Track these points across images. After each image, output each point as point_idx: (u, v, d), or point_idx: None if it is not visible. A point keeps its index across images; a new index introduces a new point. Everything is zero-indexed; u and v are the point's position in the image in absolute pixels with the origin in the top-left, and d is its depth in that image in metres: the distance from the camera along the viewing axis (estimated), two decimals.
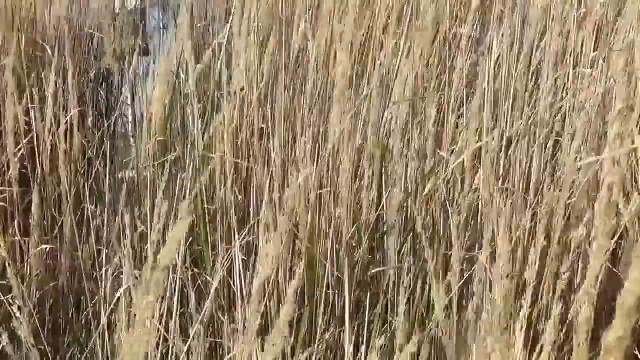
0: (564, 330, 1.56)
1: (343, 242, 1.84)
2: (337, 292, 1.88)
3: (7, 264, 1.81)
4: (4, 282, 2.03)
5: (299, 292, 1.92)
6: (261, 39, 2.22)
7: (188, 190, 2.19)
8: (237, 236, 2.05)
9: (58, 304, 2.25)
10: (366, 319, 1.61)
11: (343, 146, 1.77)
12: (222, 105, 2.17)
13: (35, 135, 2.22)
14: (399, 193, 1.74)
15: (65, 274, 2.23)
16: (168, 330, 1.75)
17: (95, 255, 2.27)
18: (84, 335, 2.26)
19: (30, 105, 2.26)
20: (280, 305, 1.69)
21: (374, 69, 2.22)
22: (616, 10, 2.32)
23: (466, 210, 1.73)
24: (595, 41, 2.30)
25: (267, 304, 1.83)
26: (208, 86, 2.37)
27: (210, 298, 1.76)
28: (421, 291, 1.77)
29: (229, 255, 1.82)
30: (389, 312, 1.88)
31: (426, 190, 1.84)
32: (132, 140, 2.48)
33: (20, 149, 2.18)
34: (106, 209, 2.24)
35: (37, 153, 2.23)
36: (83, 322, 2.26)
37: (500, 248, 1.30)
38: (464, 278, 1.67)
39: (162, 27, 3.62)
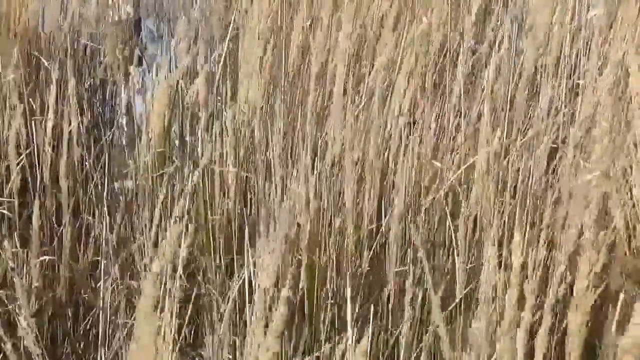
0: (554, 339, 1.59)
1: (344, 252, 1.86)
2: (337, 302, 1.90)
3: (11, 274, 1.82)
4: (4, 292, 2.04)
5: (298, 302, 1.96)
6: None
7: (187, 201, 2.19)
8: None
9: (56, 315, 2.25)
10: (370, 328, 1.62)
11: (344, 156, 1.79)
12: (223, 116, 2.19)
13: (35, 146, 2.23)
14: (400, 204, 1.76)
15: (64, 285, 2.23)
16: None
17: (94, 266, 2.28)
18: (82, 346, 2.26)
19: (32, 118, 2.27)
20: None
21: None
22: (609, 22, 2.35)
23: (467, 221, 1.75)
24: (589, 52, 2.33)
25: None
26: (209, 97, 2.38)
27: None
28: (422, 300, 1.79)
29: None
30: (389, 322, 1.90)
31: (426, 203, 1.86)
32: (129, 151, 2.48)
33: (20, 161, 2.18)
34: (104, 220, 2.24)
35: (36, 164, 2.23)
36: (81, 332, 2.27)
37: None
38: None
39: (156, 36, 3.64)
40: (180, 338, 2.04)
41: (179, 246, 1.54)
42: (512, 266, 1.32)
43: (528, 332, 1.39)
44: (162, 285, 1.82)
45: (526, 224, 1.72)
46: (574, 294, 1.38)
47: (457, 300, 1.53)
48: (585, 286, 1.35)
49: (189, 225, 1.60)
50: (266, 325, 1.35)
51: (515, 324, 1.21)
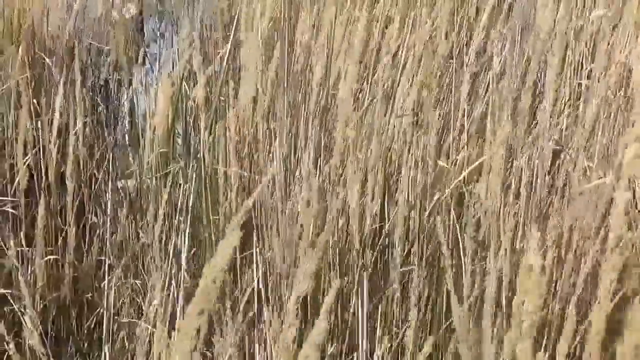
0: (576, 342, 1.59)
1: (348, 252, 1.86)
2: (341, 303, 1.90)
3: (16, 273, 1.83)
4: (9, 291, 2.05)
5: (300, 302, 1.96)
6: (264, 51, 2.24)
7: (190, 201, 2.20)
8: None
9: (61, 314, 2.26)
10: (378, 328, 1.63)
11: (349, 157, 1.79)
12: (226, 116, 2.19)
13: (41, 146, 2.23)
14: (403, 205, 1.77)
15: (69, 284, 2.24)
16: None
17: (98, 265, 2.28)
18: (86, 345, 2.27)
19: (37, 118, 2.28)
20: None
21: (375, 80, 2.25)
22: (613, 23, 2.36)
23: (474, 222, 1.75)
24: (593, 53, 2.34)
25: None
26: (212, 97, 2.38)
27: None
28: (426, 301, 1.79)
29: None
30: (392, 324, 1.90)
31: (432, 204, 1.86)
32: (133, 150, 2.49)
33: (26, 160, 2.19)
34: (108, 219, 2.25)
35: (42, 164, 2.24)
36: (85, 331, 2.27)
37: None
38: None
39: (159, 36, 3.64)
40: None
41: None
42: (530, 267, 1.31)
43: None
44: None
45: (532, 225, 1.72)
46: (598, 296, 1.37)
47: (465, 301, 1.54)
48: (608, 289, 1.34)
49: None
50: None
51: (535, 326, 1.20)
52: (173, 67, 2.42)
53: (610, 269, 1.26)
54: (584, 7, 2.45)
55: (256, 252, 1.84)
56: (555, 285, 1.48)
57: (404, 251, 1.87)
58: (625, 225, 1.28)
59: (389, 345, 1.61)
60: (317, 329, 1.15)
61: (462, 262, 1.60)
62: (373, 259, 1.92)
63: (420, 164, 1.92)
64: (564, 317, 1.40)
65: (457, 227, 1.79)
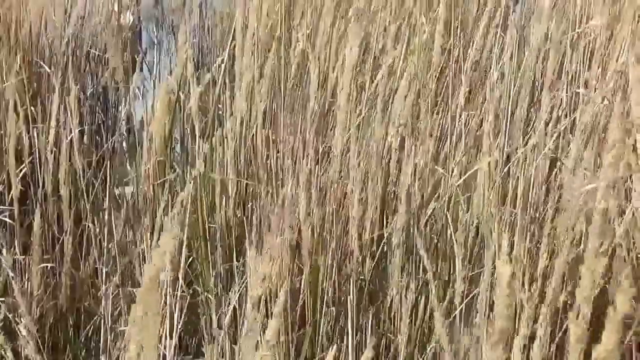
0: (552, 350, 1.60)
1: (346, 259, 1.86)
2: (339, 309, 1.90)
3: (11, 282, 1.82)
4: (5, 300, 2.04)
5: (299, 310, 1.96)
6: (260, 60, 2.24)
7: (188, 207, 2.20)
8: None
9: (58, 322, 2.25)
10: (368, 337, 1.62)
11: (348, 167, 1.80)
12: (223, 124, 2.19)
13: (37, 154, 2.23)
14: (402, 214, 1.77)
15: (65, 292, 2.24)
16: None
17: (95, 273, 2.28)
18: (83, 354, 2.27)
19: (32, 125, 2.27)
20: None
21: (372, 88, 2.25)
22: (609, 32, 2.36)
23: (467, 230, 1.75)
24: (589, 62, 2.34)
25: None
26: (208, 105, 2.39)
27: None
28: (423, 309, 1.79)
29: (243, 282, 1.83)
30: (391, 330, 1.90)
31: (428, 212, 1.87)
32: (130, 158, 2.49)
33: (22, 168, 2.18)
34: (105, 227, 2.25)
35: (38, 172, 2.23)
36: (82, 340, 2.27)
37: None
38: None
39: (156, 43, 3.64)
40: (181, 345, 2.05)
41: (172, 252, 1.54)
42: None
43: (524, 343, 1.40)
44: (161, 292, 1.83)
45: (527, 233, 1.73)
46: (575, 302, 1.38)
47: (457, 309, 1.54)
48: (587, 295, 1.34)
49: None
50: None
51: (507, 334, 1.21)
52: (170, 75, 2.42)
53: (588, 276, 1.26)
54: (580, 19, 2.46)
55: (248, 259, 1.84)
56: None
57: (401, 260, 1.87)
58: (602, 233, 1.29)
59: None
60: (270, 329, 1.16)
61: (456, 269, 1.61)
62: (372, 267, 1.93)
63: (417, 172, 1.92)
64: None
65: (453, 235, 1.79)
